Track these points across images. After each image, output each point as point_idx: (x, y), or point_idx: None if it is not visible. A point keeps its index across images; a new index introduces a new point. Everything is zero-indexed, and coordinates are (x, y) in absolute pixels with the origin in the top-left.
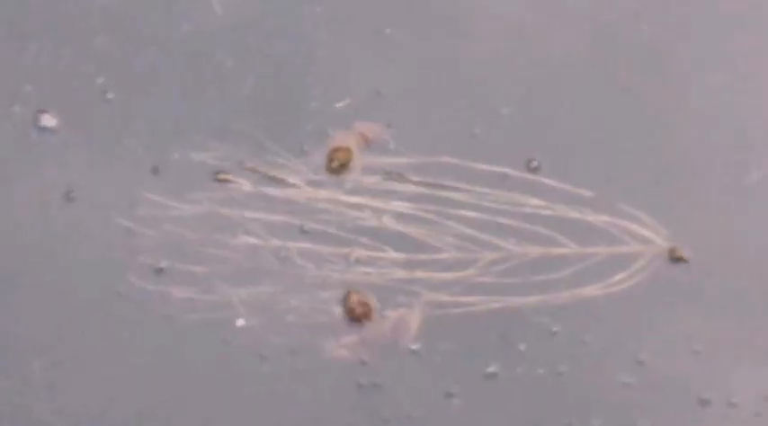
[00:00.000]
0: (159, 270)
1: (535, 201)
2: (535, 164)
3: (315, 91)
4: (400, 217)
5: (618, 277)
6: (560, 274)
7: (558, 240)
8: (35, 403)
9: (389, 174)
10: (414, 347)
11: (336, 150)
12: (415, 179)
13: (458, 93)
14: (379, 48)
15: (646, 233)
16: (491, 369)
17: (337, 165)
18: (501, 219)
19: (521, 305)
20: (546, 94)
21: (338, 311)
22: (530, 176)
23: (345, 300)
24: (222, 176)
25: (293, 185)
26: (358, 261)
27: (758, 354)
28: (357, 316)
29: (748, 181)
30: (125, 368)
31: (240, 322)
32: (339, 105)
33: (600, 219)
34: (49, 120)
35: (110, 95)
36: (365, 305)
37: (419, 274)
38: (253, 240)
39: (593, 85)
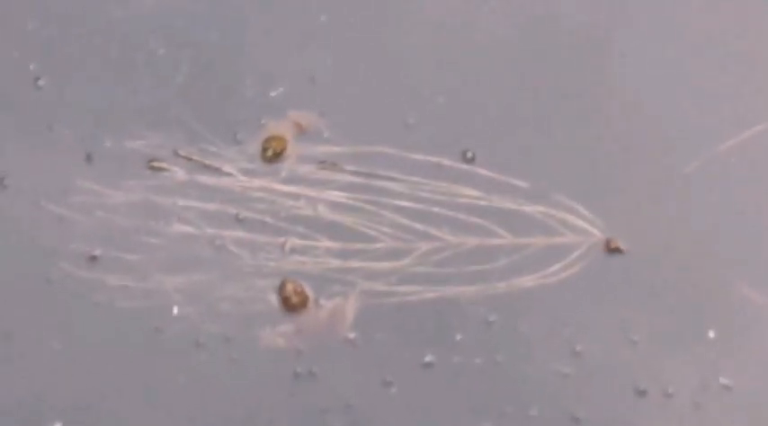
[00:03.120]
0: (93, 258)
1: (471, 192)
2: (470, 154)
3: (248, 79)
4: (335, 206)
5: (554, 267)
6: (496, 264)
7: (493, 230)
8: None
9: (324, 164)
10: (350, 336)
11: (270, 139)
12: (350, 168)
13: (392, 82)
14: (313, 36)
15: (582, 224)
16: (428, 359)
17: (271, 154)
18: (436, 209)
19: (457, 294)
20: (481, 84)
21: (274, 300)
22: (465, 166)
23: (281, 289)
24: (156, 164)
25: (228, 174)
26: (293, 250)
27: (695, 345)
28: (293, 305)
29: (685, 172)
30: (57, 356)
31: (175, 310)
32: (273, 94)
33: (536, 210)
34: None
35: (41, 82)
36: (301, 294)
37: (354, 263)
38: (187, 228)
39: (529, 75)
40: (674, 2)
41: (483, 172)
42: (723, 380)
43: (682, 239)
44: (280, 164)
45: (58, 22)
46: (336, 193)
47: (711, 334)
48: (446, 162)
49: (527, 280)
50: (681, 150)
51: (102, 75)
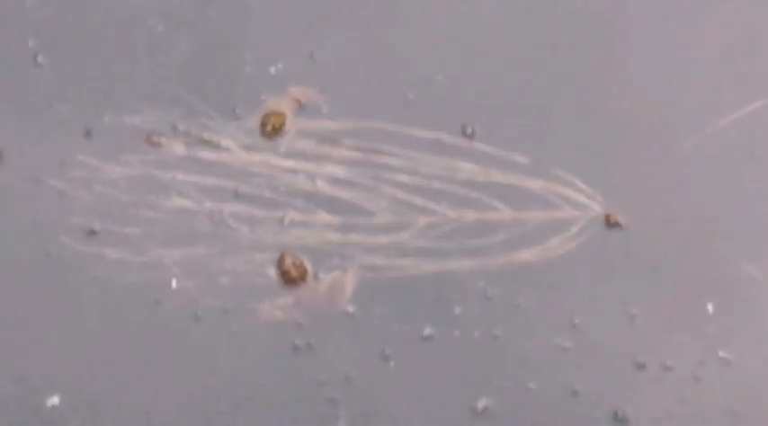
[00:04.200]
0: (92, 232)
1: (470, 167)
2: (470, 129)
3: (248, 55)
4: (334, 180)
5: (553, 242)
6: (495, 239)
7: (493, 205)
8: None
9: (323, 139)
10: (349, 309)
11: (270, 114)
12: (349, 143)
13: (392, 58)
14: (313, 13)
15: (581, 198)
16: (426, 332)
17: (271, 129)
18: (436, 184)
19: (456, 269)
20: (481, 61)
21: (273, 273)
22: (465, 142)
23: (280, 262)
24: (155, 139)
25: (226, 149)
26: (292, 224)
27: (694, 318)
28: (292, 279)
29: (684, 147)
30: (57, 330)
31: (174, 283)
32: (272, 70)
33: (535, 185)
34: None
35: (40, 58)
36: (300, 267)
37: (353, 237)
38: (186, 202)
39: (529, 52)
40: None
41: (482, 147)
42: (722, 354)
43: (681, 214)
44: (279, 140)
45: None
46: (335, 168)
47: (710, 308)
48: (446, 137)
49: (526, 254)
50: (680, 126)
51: (101, 51)
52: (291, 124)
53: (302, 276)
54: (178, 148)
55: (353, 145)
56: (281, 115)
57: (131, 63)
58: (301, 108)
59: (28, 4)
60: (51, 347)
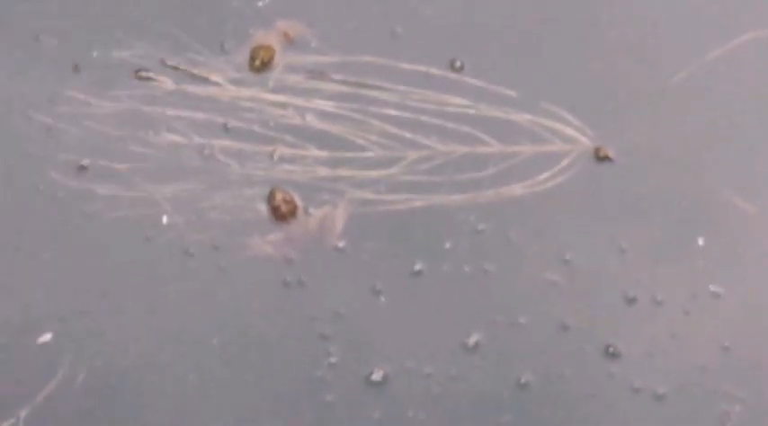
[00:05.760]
0: (81, 168)
1: (459, 101)
2: (459, 63)
3: None
4: (323, 115)
5: (543, 175)
6: (485, 172)
7: (482, 139)
8: None
9: (312, 73)
10: (339, 244)
11: (258, 48)
12: (338, 77)
13: None
14: None
15: (571, 132)
16: (417, 267)
17: (259, 64)
18: (425, 118)
19: (446, 203)
20: None
21: (263, 208)
22: (453, 75)
23: (270, 198)
24: (143, 74)
25: (215, 83)
26: (282, 159)
27: (685, 253)
28: (282, 214)
29: (674, 81)
30: (47, 267)
31: (164, 219)
32: (260, 3)
33: (524, 118)
34: None
35: None
36: (290, 202)
37: (343, 172)
38: (175, 137)
39: None
40: None
41: (471, 81)
42: (713, 288)
43: (670, 147)
44: (268, 74)
45: None
46: (324, 102)
47: (701, 242)
48: (434, 71)
49: (516, 188)
50: (669, 59)
51: None
52: (280, 58)
53: (292, 211)
54: (167, 83)
55: (342, 79)
56: (269, 49)
57: None
58: (290, 42)
59: None
60: (42, 284)
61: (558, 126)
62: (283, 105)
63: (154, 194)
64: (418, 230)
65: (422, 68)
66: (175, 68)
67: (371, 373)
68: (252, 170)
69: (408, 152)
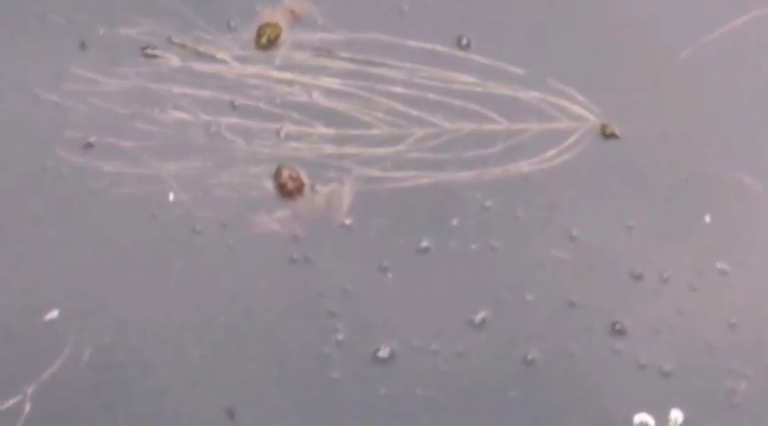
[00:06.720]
0: (88, 145)
1: (466, 78)
2: (465, 40)
3: None
4: (330, 92)
5: (550, 153)
6: (492, 150)
7: (489, 116)
8: None
9: (319, 50)
10: (346, 222)
11: (265, 26)
12: (345, 55)
13: None
14: None
15: (578, 109)
16: (424, 244)
17: (266, 41)
18: (431, 95)
19: (453, 180)
20: None
21: (269, 186)
22: (460, 53)
23: (277, 175)
24: (150, 51)
25: (222, 61)
26: (288, 137)
27: (691, 230)
28: (289, 191)
29: (681, 58)
30: (53, 244)
31: (171, 196)
32: None
33: (531, 96)
34: None
35: None
36: (297, 180)
37: (350, 149)
38: (182, 115)
39: None
40: None
41: (478, 58)
42: (719, 265)
43: (678, 125)
44: (274, 51)
45: None
46: (331, 80)
47: (708, 219)
48: (441, 48)
49: (523, 166)
50: (676, 36)
51: None
52: (286, 36)
53: (299, 189)
54: (173, 60)
55: (348, 56)
56: (275, 27)
57: None
58: (296, 19)
59: None
60: (49, 261)
61: (565, 103)
62: (290, 83)
63: (160, 171)
64: (425, 207)
65: (428, 46)
66: (182, 46)
67: (378, 350)
68: (258, 147)
69: (415, 129)
